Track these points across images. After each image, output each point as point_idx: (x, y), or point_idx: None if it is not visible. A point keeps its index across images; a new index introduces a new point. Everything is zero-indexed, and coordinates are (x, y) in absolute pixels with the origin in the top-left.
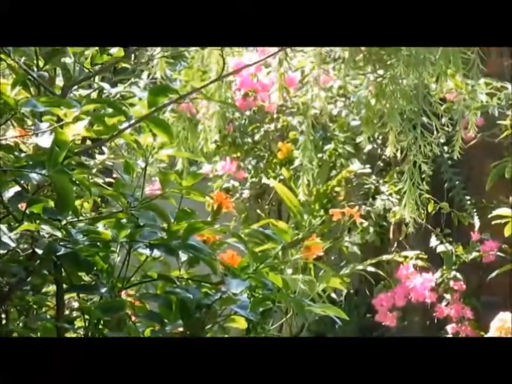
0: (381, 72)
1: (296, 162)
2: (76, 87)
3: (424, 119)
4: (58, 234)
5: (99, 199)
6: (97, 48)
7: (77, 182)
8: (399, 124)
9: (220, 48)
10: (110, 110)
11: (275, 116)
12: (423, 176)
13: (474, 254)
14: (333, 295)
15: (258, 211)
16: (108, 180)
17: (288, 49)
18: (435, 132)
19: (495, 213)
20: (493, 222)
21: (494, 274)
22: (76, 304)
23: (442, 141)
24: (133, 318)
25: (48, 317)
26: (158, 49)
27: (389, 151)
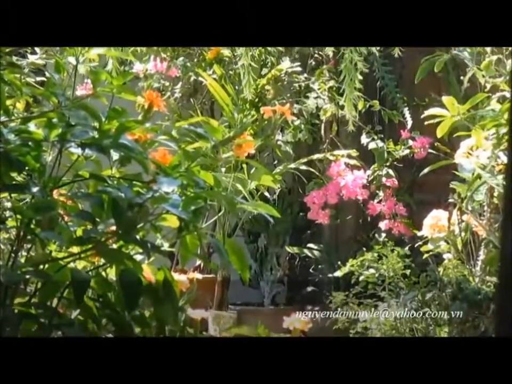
0: None
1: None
2: None
3: None
4: None
5: (31, 99)
6: None
7: (8, 82)
8: None
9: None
10: None
11: None
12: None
13: (406, 151)
14: (266, 194)
15: (190, 111)
16: (39, 79)
17: None
18: None
19: (428, 112)
20: (426, 122)
21: (426, 170)
22: (8, 204)
23: None
24: (65, 218)
25: None
26: None
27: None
